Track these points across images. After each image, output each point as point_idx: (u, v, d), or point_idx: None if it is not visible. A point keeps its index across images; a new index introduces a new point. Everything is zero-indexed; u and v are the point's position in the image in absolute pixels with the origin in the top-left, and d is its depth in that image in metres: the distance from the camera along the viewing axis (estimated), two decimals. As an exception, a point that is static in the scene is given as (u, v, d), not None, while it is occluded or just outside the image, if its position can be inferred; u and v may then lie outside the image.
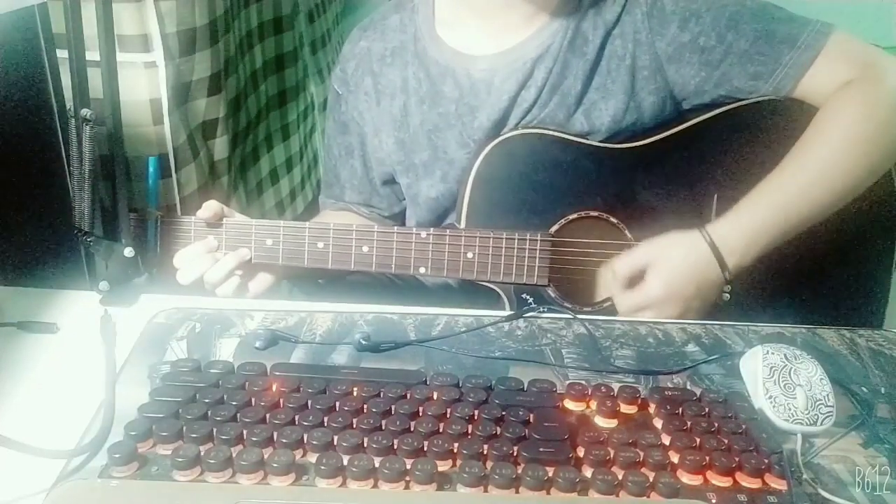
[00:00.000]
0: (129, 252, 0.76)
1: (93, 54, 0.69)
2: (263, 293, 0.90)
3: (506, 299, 0.91)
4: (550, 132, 0.92)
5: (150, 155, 0.87)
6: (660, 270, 0.84)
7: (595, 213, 0.91)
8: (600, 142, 0.93)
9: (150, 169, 0.83)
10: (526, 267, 0.88)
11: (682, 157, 0.93)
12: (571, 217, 0.91)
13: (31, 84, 0.87)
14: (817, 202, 0.85)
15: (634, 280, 0.85)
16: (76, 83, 0.69)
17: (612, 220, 0.91)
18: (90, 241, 0.75)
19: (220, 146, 1.24)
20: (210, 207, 0.85)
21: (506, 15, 0.93)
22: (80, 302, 0.78)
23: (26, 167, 0.87)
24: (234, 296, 0.85)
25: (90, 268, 0.92)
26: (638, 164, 0.93)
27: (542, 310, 0.78)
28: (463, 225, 0.92)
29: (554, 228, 0.90)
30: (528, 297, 0.90)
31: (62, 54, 0.83)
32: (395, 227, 0.88)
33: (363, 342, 0.70)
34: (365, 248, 0.87)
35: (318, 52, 1.81)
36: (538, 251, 0.88)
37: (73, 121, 0.70)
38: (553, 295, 0.90)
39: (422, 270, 0.88)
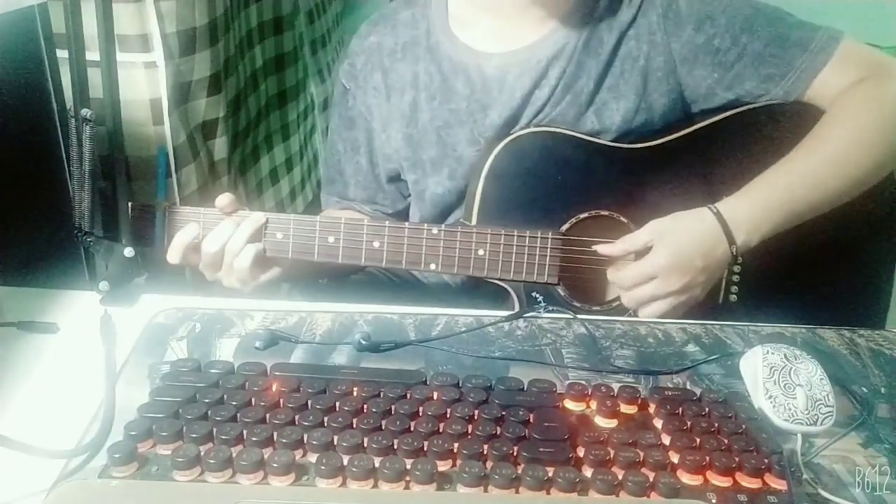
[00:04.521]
0: (129, 252, 0.76)
1: (93, 54, 0.69)
2: (271, 281, 0.89)
3: (515, 297, 0.91)
4: (563, 131, 0.92)
5: (150, 155, 0.86)
6: (666, 241, 0.84)
7: (606, 213, 0.91)
8: (612, 141, 0.93)
9: (161, 160, 0.84)
10: (536, 265, 0.88)
11: (693, 158, 0.93)
12: (582, 216, 0.90)
13: (31, 84, 0.87)
14: (825, 188, 0.86)
15: (640, 256, 0.86)
16: (76, 83, 0.69)
17: (623, 219, 0.91)
18: (90, 241, 0.75)
19: (220, 146, 1.24)
20: (227, 196, 0.85)
21: (521, 15, 0.93)
22: (80, 302, 0.78)
23: (26, 167, 0.87)
24: (249, 273, 0.84)
25: (90, 268, 0.92)
26: (649, 165, 0.93)
27: (541, 307, 0.78)
28: (474, 222, 0.91)
29: (565, 227, 0.90)
30: (537, 294, 0.90)
31: (62, 54, 0.83)
32: (407, 223, 0.88)
33: (363, 342, 0.70)
34: (376, 244, 0.86)
35: (318, 52, 1.81)
36: (549, 250, 0.88)
37: (73, 121, 0.70)
38: (563, 294, 0.90)
39: (433, 267, 0.87)
